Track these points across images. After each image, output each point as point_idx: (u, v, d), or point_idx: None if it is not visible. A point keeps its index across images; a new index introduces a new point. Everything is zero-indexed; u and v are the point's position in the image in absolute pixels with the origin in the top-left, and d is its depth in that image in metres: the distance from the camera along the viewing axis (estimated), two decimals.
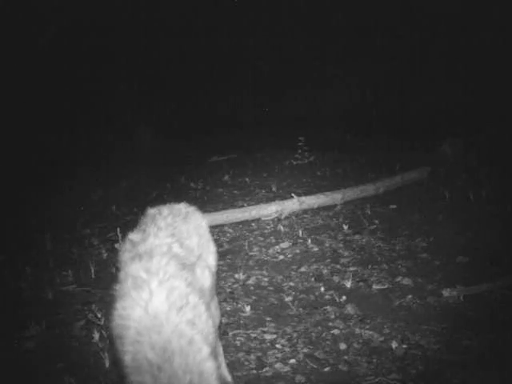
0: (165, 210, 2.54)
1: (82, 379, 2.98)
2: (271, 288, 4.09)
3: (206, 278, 2.38)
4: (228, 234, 5.33)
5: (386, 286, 3.97)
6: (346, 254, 4.63)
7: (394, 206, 5.84)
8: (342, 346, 3.21)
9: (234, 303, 3.84)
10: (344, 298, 3.81)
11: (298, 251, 4.77)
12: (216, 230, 5.41)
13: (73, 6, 11.05)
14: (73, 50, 11.10)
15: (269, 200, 6.14)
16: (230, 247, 4.99)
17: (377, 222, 5.35)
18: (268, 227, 5.47)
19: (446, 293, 3.73)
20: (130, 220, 5.88)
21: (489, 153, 7.62)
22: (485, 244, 4.59)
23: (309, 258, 4.60)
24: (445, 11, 11.37)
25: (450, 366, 2.93)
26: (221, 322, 3.54)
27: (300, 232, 5.17)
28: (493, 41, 10.51)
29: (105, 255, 4.85)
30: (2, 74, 9.23)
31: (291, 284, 4.13)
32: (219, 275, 4.33)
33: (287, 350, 3.21)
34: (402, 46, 12.04)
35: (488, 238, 4.72)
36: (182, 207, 2.63)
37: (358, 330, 3.37)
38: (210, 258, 2.59)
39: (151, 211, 2.55)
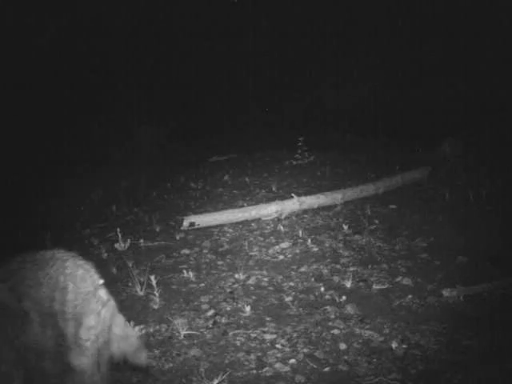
0: (28, 256, 2.09)
1: None
2: (271, 288, 4.09)
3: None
4: (228, 234, 5.33)
5: (385, 286, 3.97)
6: (346, 253, 4.63)
7: (394, 206, 5.84)
8: (342, 346, 3.21)
9: (234, 303, 3.83)
10: (344, 298, 3.80)
11: (297, 251, 4.77)
12: (216, 230, 5.41)
13: (73, 4, 11.06)
14: (74, 49, 11.10)
15: (269, 200, 6.13)
16: (230, 247, 4.98)
17: (377, 222, 5.35)
18: (268, 227, 5.46)
19: (446, 293, 3.73)
20: (130, 220, 5.91)
21: (489, 153, 7.62)
22: (485, 244, 4.60)
23: (309, 258, 4.60)
24: (445, 10, 11.38)
25: (450, 365, 2.93)
26: (220, 323, 3.54)
27: (300, 232, 5.16)
28: (493, 40, 10.52)
29: (105, 255, 4.85)
30: (1, 74, 9.24)
31: (291, 284, 4.13)
32: (219, 275, 4.34)
33: (287, 349, 3.21)
34: (402, 45, 12.04)
35: (488, 238, 4.72)
36: (51, 253, 2.14)
37: (357, 330, 3.37)
38: (88, 320, 2.06)
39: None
